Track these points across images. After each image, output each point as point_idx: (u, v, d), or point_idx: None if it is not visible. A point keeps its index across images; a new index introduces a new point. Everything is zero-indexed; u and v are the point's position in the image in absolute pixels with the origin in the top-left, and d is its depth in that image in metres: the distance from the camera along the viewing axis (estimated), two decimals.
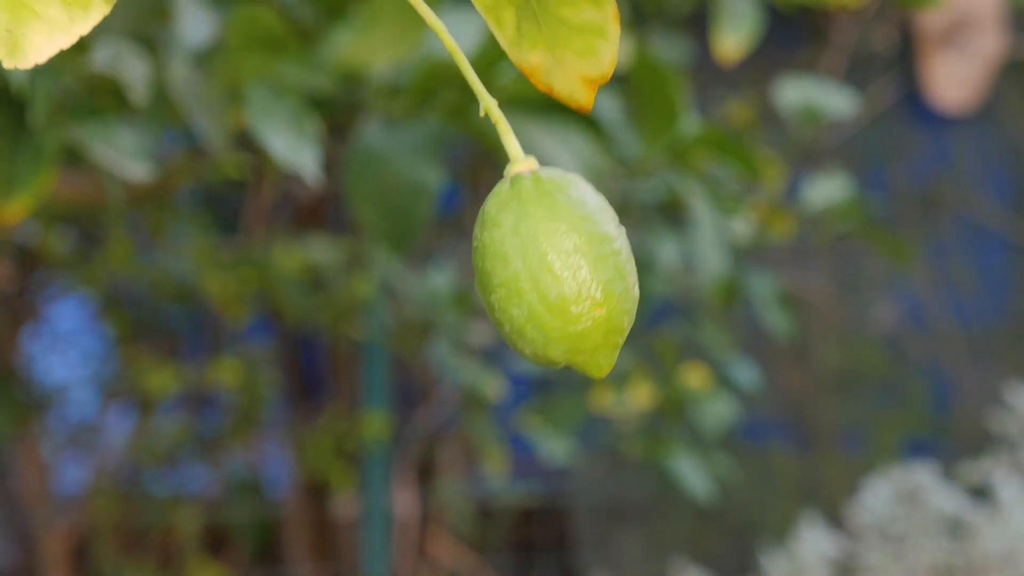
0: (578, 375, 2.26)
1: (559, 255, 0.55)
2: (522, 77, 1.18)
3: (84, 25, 0.51)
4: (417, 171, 1.17)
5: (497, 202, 0.57)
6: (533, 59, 0.57)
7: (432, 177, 1.18)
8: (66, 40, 0.52)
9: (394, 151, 1.18)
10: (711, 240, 1.59)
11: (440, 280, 2.27)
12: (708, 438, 2.24)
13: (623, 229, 0.57)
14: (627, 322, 0.57)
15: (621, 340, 0.57)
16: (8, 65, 0.51)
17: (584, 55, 0.57)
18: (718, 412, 2.15)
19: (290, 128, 1.08)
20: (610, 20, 0.57)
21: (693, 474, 2.14)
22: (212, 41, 1.14)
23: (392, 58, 1.14)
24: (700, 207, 1.60)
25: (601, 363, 0.57)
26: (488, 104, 0.58)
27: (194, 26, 1.10)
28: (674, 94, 1.44)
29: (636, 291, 0.57)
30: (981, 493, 2.64)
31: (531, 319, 0.56)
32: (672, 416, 2.20)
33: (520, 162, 0.58)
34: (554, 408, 2.22)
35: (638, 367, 2.22)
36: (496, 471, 2.46)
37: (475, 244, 0.57)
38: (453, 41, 0.57)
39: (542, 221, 0.56)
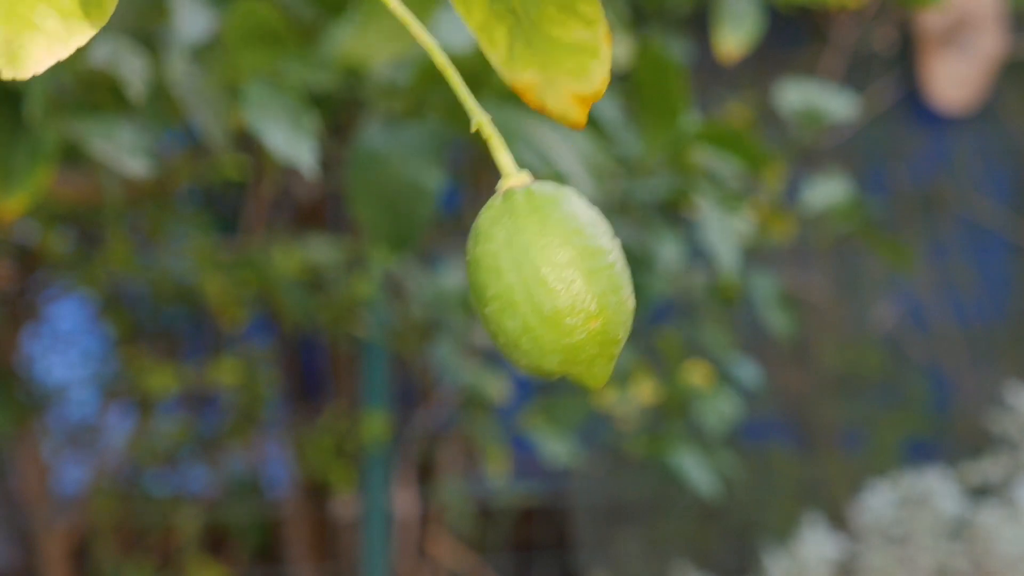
0: None
1: (552, 268, 0.56)
2: None
3: (81, 37, 0.52)
4: (417, 172, 1.17)
5: (490, 216, 0.57)
6: (526, 78, 0.58)
7: (432, 178, 1.18)
8: (64, 52, 0.53)
9: (394, 152, 1.18)
10: (721, 236, 1.59)
11: (449, 280, 2.27)
12: (711, 436, 2.24)
13: (617, 241, 0.58)
14: (622, 333, 0.57)
15: (617, 351, 0.57)
16: (7, 75, 0.52)
17: (576, 74, 0.58)
18: (721, 409, 2.15)
19: (287, 122, 1.08)
20: (601, 40, 0.57)
21: (697, 471, 2.14)
22: (210, 38, 1.14)
23: (392, 54, 1.14)
24: (706, 204, 1.60)
25: (597, 374, 0.58)
26: (480, 119, 0.58)
27: (191, 23, 1.10)
28: (677, 86, 1.44)
29: (631, 303, 0.57)
30: (982, 493, 2.64)
31: (526, 331, 0.56)
32: (675, 414, 2.20)
33: (513, 176, 0.58)
34: (557, 408, 2.22)
35: (640, 364, 2.22)
36: (497, 472, 2.46)
37: (468, 258, 0.58)
38: (444, 58, 0.57)
39: (535, 235, 0.56)
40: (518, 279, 0.56)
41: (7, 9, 0.51)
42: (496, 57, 0.58)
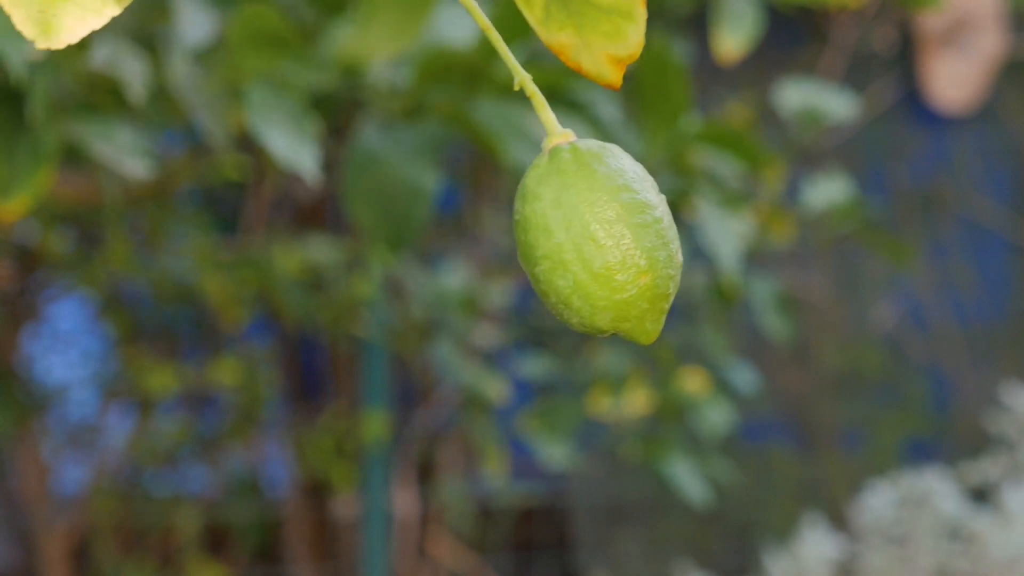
0: (577, 379, 2.26)
1: (602, 224, 0.56)
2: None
3: (114, 7, 0.53)
4: (415, 173, 1.17)
5: (537, 175, 0.57)
6: (562, 39, 0.59)
7: (430, 180, 1.18)
8: (97, 21, 0.53)
9: (392, 153, 1.18)
10: (722, 237, 1.59)
11: (450, 280, 2.27)
12: (706, 443, 2.24)
13: (663, 197, 0.58)
14: (672, 288, 0.57)
15: (667, 306, 0.58)
16: (41, 45, 0.52)
17: (611, 36, 0.58)
18: (716, 418, 2.15)
19: (290, 127, 1.08)
20: (637, 2, 0.57)
21: (690, 479, 2.14)
22: (212, 39, 1.14)
23: (392, 52, 1.14)
24: (706, 205, 1.60)
25: (648, 329, 0.58)
26: (522, 77, 0.59)
27: (193, 24, 1.10)
28: (678, 86, 1.44)
29: (680, 257, 0.58)
30: (982, 494, 2.64)
31: (577, 289, 0.56)
32: (670, 421, 2.20)
33: (557, 135, 0.58)
34: (553, 412, 2.22)
35: (635, 371, 2.22)
36: (495, 472, 2.46)
37: (516, 218, 0.58)
38: (485, 18, 0.57)
39: (583, 192, 0.56)
40: (567, 237, 0.56)
41: None
42: (532, 17, 0.58)
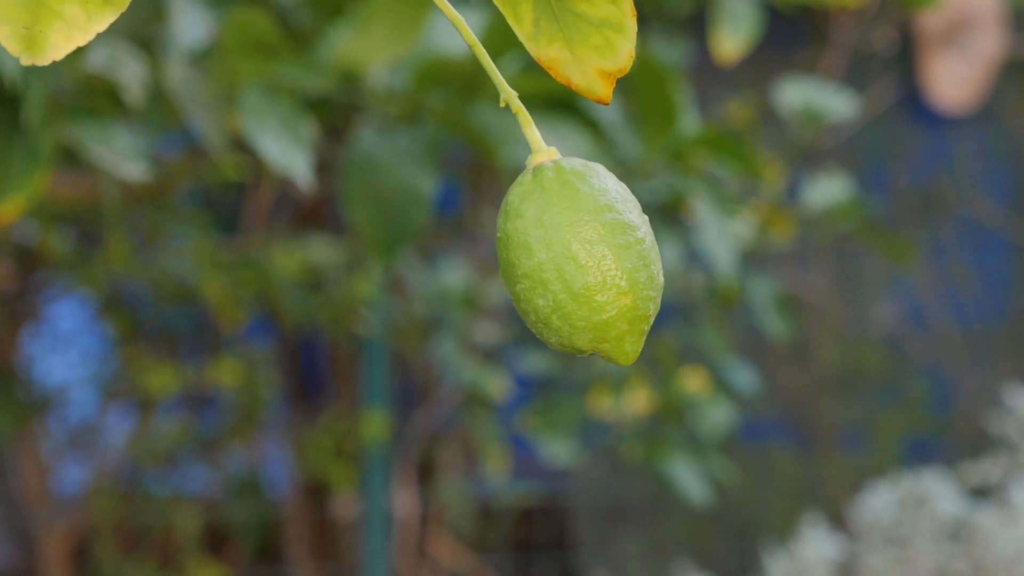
0: (578, 377, 2.26)
1: (583, 245, 0.56)
2: (521, 75, 1.18)
3: (101, 23, 0.53)
4: (412, 178, 1.17)
5: (520, 192, 0.57)
6: (551, 53, 0.58)
7: (427, 185, 1.18)
8: (83, 38, 0.53)
9: (389, 157, 1.18)
10: (718, 239, 1.59)
11: (451, 277, 2.27)
12: (706, 442, 2.24)
13: (646, 217, 0.58)
14: (653, 309, 0.57)
15: (647, 327, 0.57)
16: (27, 62, 0.52)
17: (602, 50, 0.58)
18: (716, 417, 2.15)
19: (284, 132, 1.07)
20: (627, 15, 0.58)
21: (690, 479, 2.14)
22: (208, 41, 1.14)
23: (389, 57, 1.14)
24: (704, 207, 1.60)
25: (627, 351, 0.58)
26: (508, 95, 0.59)
27: (190, 27, 1.10)
28: (673, 95, 1.44)
29: (661, 278, 0.57)
30: (982, 494, 2.64)
31: (556, 309, 0.56)
32: (671, 421, 2.20)
33: (542, 152, 0.58)
34: (554, 411, 2.22)
35: (636, 371, 2.22)
36: (496, 470, 2.46)
37: (499, 234, 0.58)
38: (472, 34, 0.57)
39: (565, 211, 0.56)
40: (548, 256, 0.56)
41: None
42: (521, 32, 0.58)
